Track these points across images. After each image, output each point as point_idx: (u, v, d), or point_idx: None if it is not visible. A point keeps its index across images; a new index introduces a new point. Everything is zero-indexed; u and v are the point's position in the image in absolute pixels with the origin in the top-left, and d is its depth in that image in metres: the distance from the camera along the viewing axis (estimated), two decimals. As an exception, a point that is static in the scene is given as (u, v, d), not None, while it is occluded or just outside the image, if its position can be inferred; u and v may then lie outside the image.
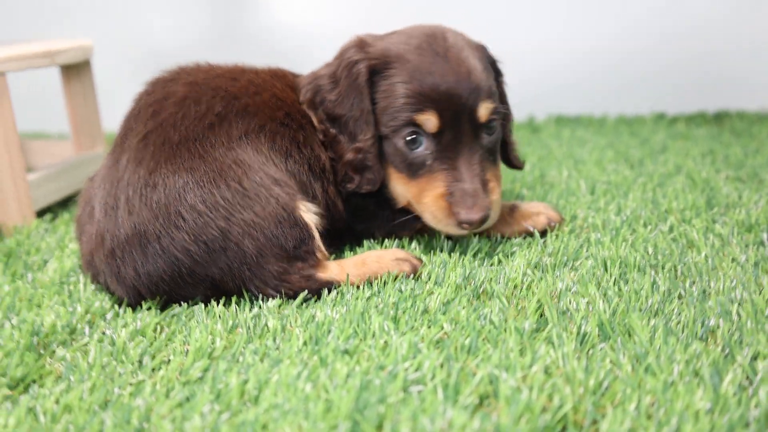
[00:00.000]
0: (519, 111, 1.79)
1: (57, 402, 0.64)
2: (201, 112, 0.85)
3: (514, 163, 0.99)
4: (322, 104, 0.91)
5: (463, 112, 0.85)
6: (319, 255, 0.85)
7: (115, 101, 1.87)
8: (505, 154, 0.98)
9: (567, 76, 1.78)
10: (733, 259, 0.87)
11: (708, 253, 0.88)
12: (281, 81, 0.95)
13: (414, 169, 0.88)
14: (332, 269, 0.86)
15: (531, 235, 0.98)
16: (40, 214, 1.19)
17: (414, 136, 0.87)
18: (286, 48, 1.86)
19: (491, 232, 0.99)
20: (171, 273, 0.80)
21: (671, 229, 0.97)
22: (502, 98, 0.96)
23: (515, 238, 0.98)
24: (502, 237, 0.99)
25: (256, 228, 0.80)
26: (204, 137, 0.83)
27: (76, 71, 1.24)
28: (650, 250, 0.90)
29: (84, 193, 0.91)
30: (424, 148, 0.87)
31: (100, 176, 0.87)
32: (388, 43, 0.91)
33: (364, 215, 0.97)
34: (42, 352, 0.73)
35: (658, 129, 1.63)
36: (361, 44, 0.91)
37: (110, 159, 0.87)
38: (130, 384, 0.67)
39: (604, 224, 1.00)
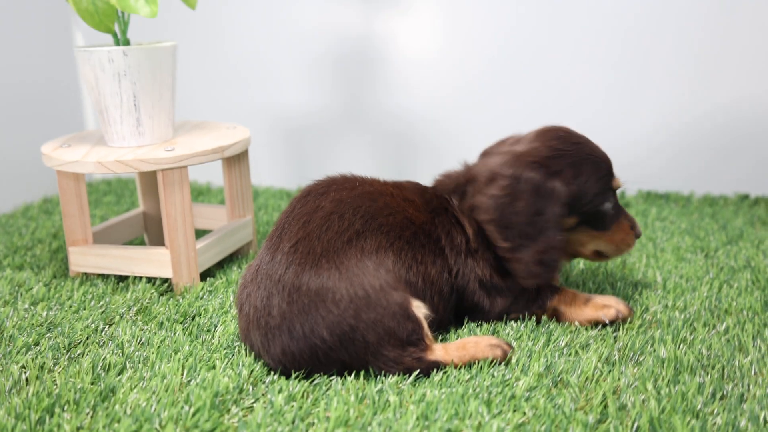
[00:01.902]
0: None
1: (239, 452, 0.88)
2: (343, 227, 1.09)
3: None
4: (502, 217, 1.15)
5: None
6: (427, 341, 1.07)
7: (259, 160, 2.18)
8: None
9: (658, 152, 1.94)
10: (774, 366, 1.05)
11: (753, 358, 1.06)
12: (412, 206, 1.18)
13: (606, 222, 1.20)
14: (438, 352, 1.08)
15: (602, 325, 1.18)
16: (202, 275, 1.46)
17: (609, 198, 1.20)
18: (409, 132, 2.12)
19: (566, 319, 1.20)
20: (310, 354, 1.04)
21: (726, 331, 1.15)
22: None
23: (585, 326, 1.19)
24: (572, 323, 1.20)
25: (377, 324, 1.03)
26: (342, 250, 1.07)
27: (236, 159, 1.51)
28: (704, 351, 1.08)
29: (243, 277, 1.16)
30: (610, 205, 1.20)
31: (257, 266, 1.12)
32: (552, 155, 1.17)
33: (499, 298, 1.22)
34: (221, 409, 0.99)
35: (739, 211, 1.78)
36: (533, 164, 1.16)
37: (268, 254, 1.11)
38: (289, 442, 0.91)
39: (669, 322, 1.18)
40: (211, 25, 2.22)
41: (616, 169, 1.18)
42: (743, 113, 1.87)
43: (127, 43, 1.38)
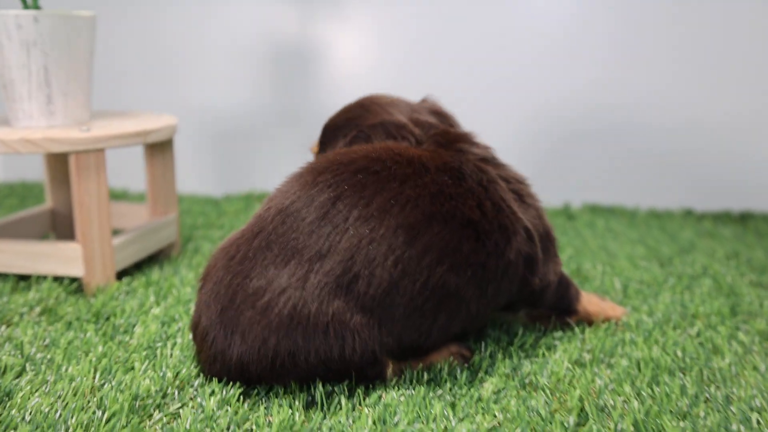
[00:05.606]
0: (556, 198, 1.91)
1: (163, 462, 0.74)
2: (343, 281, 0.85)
3: None
4: None
5: None
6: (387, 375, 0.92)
7: (185, 163, 2.03)
8: None
9: (601, 167, 1.89)
10: (755, 367, 0.96)
11: (731, 360, 0.98)
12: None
13: None
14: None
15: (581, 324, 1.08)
16: (119, 275, 1.30)
17: None
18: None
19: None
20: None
21: (698, 334, 1.07)
22: None
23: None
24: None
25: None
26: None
27: (160, 147, 1.36)
28: (679, 353, 0.99)
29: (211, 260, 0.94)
30: None
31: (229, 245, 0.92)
32: None
33: None
34: (141, 414, 0.83)
35: (685, 225, 1.73)
36: None
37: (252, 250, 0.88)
38: (223, 450, 0.77)
39: (637, 324, 1.10)
40: (138, 17, 2.07)
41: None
42: (682, 133, 1.84)
43: (38, 8, 1.23)
